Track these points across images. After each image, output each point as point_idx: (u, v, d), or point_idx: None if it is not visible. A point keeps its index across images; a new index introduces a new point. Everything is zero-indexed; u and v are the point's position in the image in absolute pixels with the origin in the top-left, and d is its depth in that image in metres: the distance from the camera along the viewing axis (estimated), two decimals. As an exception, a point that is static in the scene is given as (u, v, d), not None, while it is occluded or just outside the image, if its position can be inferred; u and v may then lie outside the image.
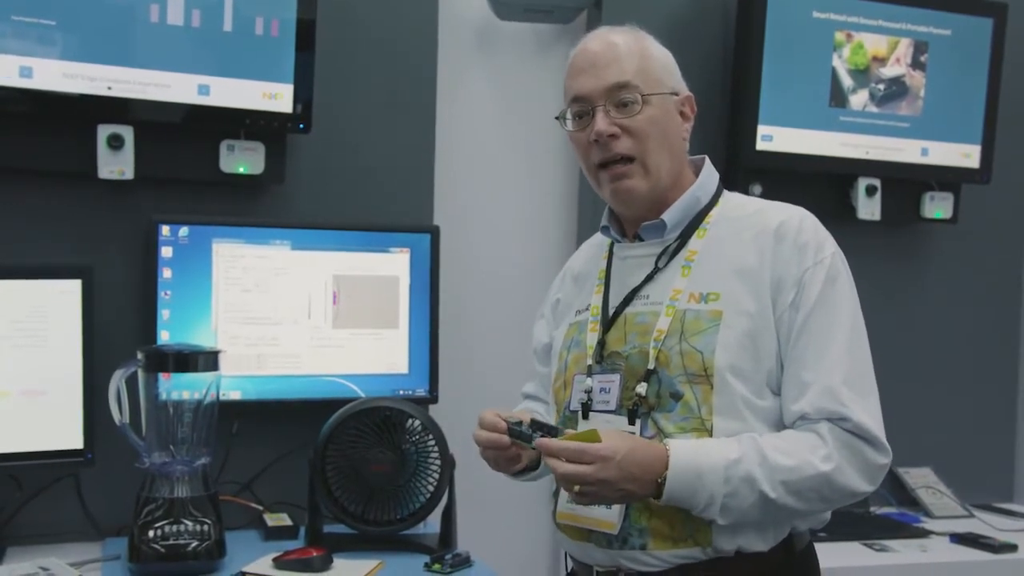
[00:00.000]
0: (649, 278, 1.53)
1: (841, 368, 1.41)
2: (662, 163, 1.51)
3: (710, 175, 1.59)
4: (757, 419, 1.43)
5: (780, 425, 1.45)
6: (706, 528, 1.41)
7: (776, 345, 1.44)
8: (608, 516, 1.45)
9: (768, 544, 1.44)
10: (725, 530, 1.40)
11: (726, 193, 1.60)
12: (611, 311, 1.55)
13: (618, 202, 1.55)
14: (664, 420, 1.44)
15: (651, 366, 1.45)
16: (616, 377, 1.49)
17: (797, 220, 1.48)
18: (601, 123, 1.48)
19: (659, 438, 1.43)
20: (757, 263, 1.46)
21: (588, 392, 1.51)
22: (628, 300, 1.54)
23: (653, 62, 1.52)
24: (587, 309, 1.60)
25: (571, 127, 1.54)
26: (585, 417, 1.52)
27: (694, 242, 1.52)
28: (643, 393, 1.45)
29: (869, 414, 1.41)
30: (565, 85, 1.56)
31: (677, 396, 1.43)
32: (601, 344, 1.53)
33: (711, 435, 1.41)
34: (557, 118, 1.56)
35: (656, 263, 1.53)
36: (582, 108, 1.52)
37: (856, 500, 1.44)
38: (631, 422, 1.45)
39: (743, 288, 1.45)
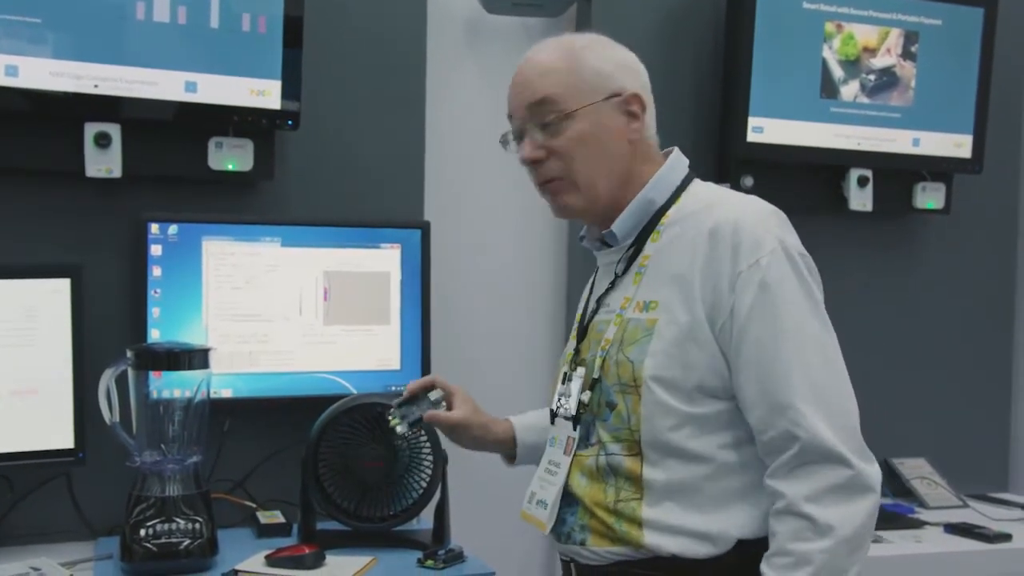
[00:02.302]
0: (611, 286, 1.52)
1: (788, 380, 1.33)
2: (595, 176, 1.46)
3: (670, 170, 1.51)
4: (687, 427, 1.39)
5: (719, 431, 1.40)
6: (637, 531, 1.40)
7: (709, 356, 1.38)
8: (541, 516, 1.51)
9: (708, 552, 1.39)
10: (658, 534, 1.39)
11: (692, 186, 1.52)
12: (586, 319, 1.57)
13: (563, 217, 1.58)
14: (601, 429, 1.46)
15: (596, 375, 1.46)
16: (578, 385, 1.51)
17: (733, 218, 1.38)
18: (526, 150, 1.48)
19: (599, 446, 1.46)
20: (688, 268, 1.40)
21: (560, 398, 1.55)
22: (596, 309, 1.54)
23: (582, 71, 1.46)
24: (578, 316, 1.63)
25: (513, 149, 1.54)
26: (552, 422, 1.56)
27: (649, 246, 1.48)
28: (586, 401, 1.47)
29: (827, 422, 1.32)
30: None
31: (612, 405, 1.44)
32: (577, 352, 1.55)
33: (640, 445, 1.40)
34: (500, 142, 1.56)
35: (615, 270, 1.52)
36: (515, 129, 1.52)
37: (875, 515, 1.35)
38: (574, 428, 1.49)
39: (676, 295, 1.40)
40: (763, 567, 1.36)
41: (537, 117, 1.46)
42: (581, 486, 1.47)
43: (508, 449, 1.74)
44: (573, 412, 1.50)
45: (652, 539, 1.40)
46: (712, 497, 1.40)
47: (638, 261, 1.48)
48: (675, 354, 1.38)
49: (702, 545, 1.39)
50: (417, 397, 1.67)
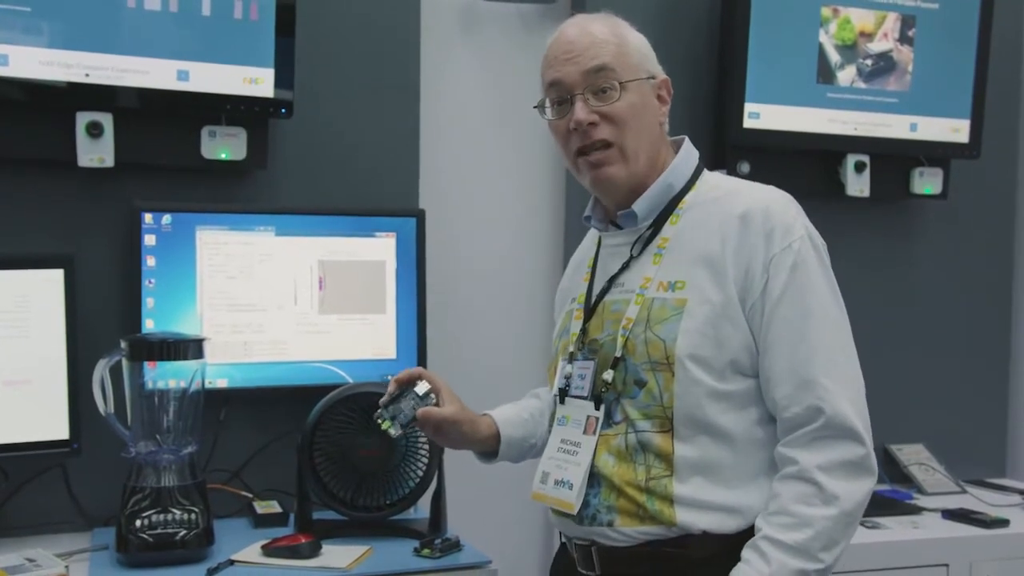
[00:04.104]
0: (625, 266, 1.55)
1: (815, 358, 1.40)
2: (640, 149, 1.51)
3: (686, 157, 1.57)
4: (719, 404, 1.43)
5: (748, 407, 1.45)
6: (670, 509, 1.43)
7: (742, 334, 1.43)
8: (568, 497, 1.50)
9: (739, 525, 1.44)
10: (690, 511, 1.42)
11: (704, 174, 1.58)
12: (593, 299, 1.58)
13: (599, 189, 1.56)
14: (629, 406, 1.47)
15: (618, 354, 1.48)
16: (592, 364, 1.52)
17: (763, 205, 1.46)
18: (580, 111, 1.48)
19: (626, 424, 1.47)
20: (720, 250, 1.45)
21: (568, 378, 1.55)
22: (607, 288, 1.56)
23: (629, 47, 1.52)
24: (576, 298, 1.63)
25: (551, 116, 1.54)
26: (562, 402, 1.56)
27: (667, 229, 1.52)
28: (609, 380, 1.48)
29: (849, 401, 1.40)
30: (541, 74, 1.56)
31: (641, 383, 1.45)
32: (583, 331, 1.56)
33: (672, 422, 1.43)
34: (536, 107, 1.56)
35: (630, 251, 1.55)
36: (560, 95, 1.51)
37: (869, 496, 1.42)
38: (596, 407, 1.49)
39: (707, 276, 1.45)
40: (759, 522, 1.40)
41: (593, 83, 1.48)
42: (609, 466, 1.47)
43: (491, 446, 1.68)
44: (588, 391, 1.51)
45: (684, 516, 1.42)
46: (739, 472, 1.44)
47: (656, 243, 1.52)
48: (708, 332, 1.42)
49: (732, 519, 1.43)
50: (403, 393, 1.56)
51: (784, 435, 1.43)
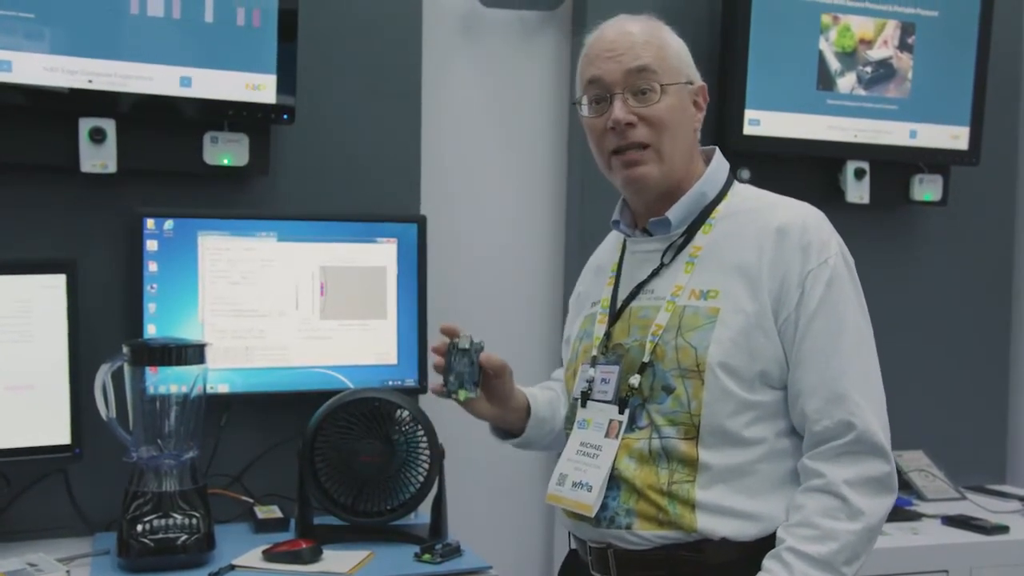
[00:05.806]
0: (655, 273, 1.55)
1: (847, 373, 1.42)
2: (676, 152, 1.51)
3: (719, 167, 1.58)
4: (746, 414, 1.44)
5: (774, 418, 1.46)
6: (691, 514, 1.43)
7: (773, 345, 1.44)
8: (587, 499, 1.49)
9: (758, 533, 1.44)
10: (711, 517, 1.42)
11: (736, 185, 1.59)
12: (619, 304, 1.58)
13: (631, 189, 1.55)
14: (655, 412, 1.47)
15: (646, 359, 1.48)
16: (616, 368, 1.52)
17: (800, 220, 1.47)
18: (619, 111, 1.48)
19: (650, 429, 1.46)
20: (756, 262, 1.46)
21: (590, 382, 1.55)
22: (634, 294, 1.56)
23: (670, 50, 1.52)
24: (599, 302, 1.63)
25: (587, 113, 1.54)
26: (583, 405, 1.55)
27: (699, 238, 1.53)
28: (636, 385, 1.48)
29: (877, 418, 1.42)
30: (580, 71, 1.56)
31: (669, 389, 1.45)
32: (607, 336, 1.56)
33: (698, 429, 1.43)
34: (574, 103, 1.57)
35: (662, 259, 1.55)
36: (599, 93, 1.51)
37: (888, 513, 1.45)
38: (620, 411, 1.49)
39: (741, 286, 1.45)
40: (782, 533, 1.41)
41: (633, 84, 1.48)
42: (630, 469, 1.47)
43: (518, 421, 1.68)
44: (612, 395, 1.51)
45: (705, 522, 1.42)
46: (763, 481, 1.45)
47: (688, 251, 1.52)
48: (741, 342, 1.43)
49: (752, 526, 1.43)
50: (452, 352, 1.53)
51: (811, 447, 1.43)
